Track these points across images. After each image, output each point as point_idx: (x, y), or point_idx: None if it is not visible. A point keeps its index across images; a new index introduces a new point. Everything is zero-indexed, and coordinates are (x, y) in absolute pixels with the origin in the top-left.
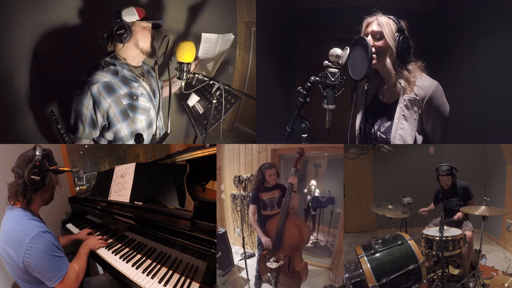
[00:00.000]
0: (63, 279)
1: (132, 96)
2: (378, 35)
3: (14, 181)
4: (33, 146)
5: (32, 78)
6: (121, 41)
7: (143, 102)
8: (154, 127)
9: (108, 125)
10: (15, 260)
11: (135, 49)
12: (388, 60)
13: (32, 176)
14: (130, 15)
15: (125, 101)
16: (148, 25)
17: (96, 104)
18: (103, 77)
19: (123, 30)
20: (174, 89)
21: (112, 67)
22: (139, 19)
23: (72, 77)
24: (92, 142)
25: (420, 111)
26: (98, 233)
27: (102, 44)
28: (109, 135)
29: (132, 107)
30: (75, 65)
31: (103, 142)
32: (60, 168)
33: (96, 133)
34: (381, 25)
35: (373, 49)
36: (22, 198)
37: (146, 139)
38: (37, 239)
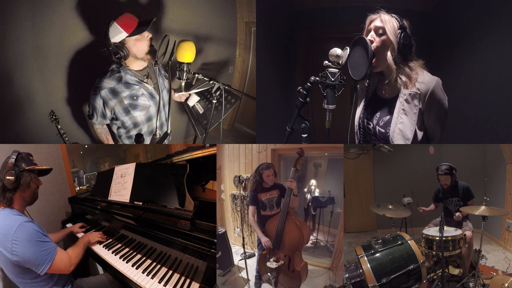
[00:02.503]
0: (53, 262)
1: (133, 97)
2: (381, 31)
3: None
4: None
5: (32, 78)
6: (121, 60)
7: (143, 101)
8: (155, 121)
9: (116, 117)
10: (5, 255)
11: (136, 60)
12: (389, 54)
13: (7, 177)
14: (117, 34)
15: (126, 101)
16: (142, 33)
17: (105, 103)
18: (109, 84)
19: (119, 54)
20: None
21: (117, 74)
22: (128, 35)
23: (72, 76)
24: (105, 127)
25: (421, 106)
26: (88, 226)
27: (108, 58)
28: (118, 123)
29: (132, 106)
30: (75, 64)
31: (114, 127)
32: (36, 168)
33: (107, 121)
34: (384, 21)
35: (375, 44)
36: (2, 198)
37: (146, 129)
38: (20, 229)
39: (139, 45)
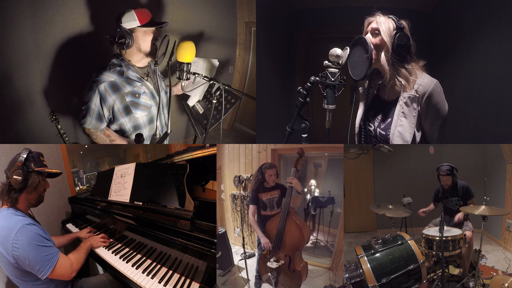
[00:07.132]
0: (55, 267)
1: (135, 94)
2: (376, 31)
3: (3, 182)
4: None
5: (32, 78)
6: (123, 48)
7: (144, 99)
8: (155, 123)
9: (113, 119)
10: (6, 257)
11: (139, 53)
12: (382, 55)
13: (14, 176)
14: (130, 21)
15: (128, 98)
16: (151, 28)
17: (102, 100)
18: (109, 77)
19: (124, 39)
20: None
21: (118, 68)
22: (140, 25)
23: (72, 76)
24: (102, 133)
25: (419, 108)
26: (97, 232)
27: (109, 46)
28: (114, 127)
29: (134, 104)
30: (75, 64)
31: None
32: (46, 170)
33: (102, 126)
34: (379, 22)
35: (371, 46)
36: (7, 197)
37: (148, 133)
38: (22, 232)
39: (147, 38)
